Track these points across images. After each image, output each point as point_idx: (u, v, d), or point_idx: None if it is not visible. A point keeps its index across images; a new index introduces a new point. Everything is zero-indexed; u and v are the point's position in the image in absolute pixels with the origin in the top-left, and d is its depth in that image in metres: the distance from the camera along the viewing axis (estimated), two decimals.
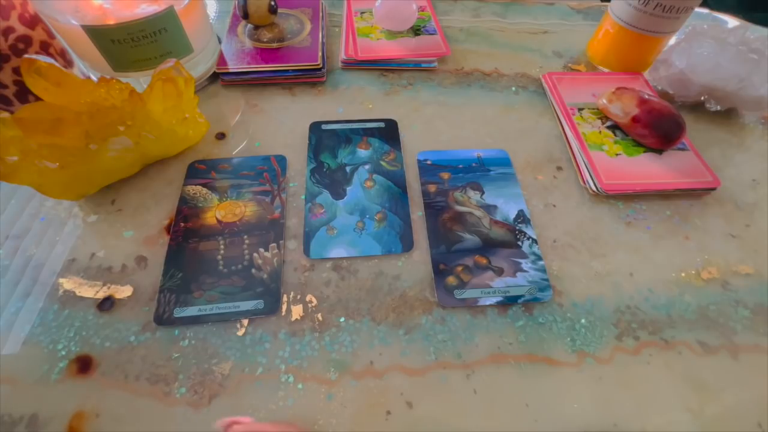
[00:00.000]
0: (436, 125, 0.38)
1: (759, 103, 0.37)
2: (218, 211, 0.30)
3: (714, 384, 0.25)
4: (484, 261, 0.29)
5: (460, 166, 0.34)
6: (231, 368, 0.24)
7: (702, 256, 0.30)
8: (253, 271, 0.28)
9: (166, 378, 0.24)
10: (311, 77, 0.40)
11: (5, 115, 0.25)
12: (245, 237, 0.29)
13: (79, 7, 0.31)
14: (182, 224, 0.30)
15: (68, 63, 0.36)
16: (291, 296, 0.27)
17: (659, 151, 0.35)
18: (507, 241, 0.30)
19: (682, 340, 0.26)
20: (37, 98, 0.26)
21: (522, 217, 0.31)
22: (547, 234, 0.31)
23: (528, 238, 0.30)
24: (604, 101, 0.37)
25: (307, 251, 0.29)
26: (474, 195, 0.32)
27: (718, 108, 0.38)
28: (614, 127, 0.36)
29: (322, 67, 0.40)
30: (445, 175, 0.33)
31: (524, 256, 0.29)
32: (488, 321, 0.27)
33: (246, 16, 0.41)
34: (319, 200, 0.31)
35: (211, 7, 0.49)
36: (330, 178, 0.33)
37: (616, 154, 0.34)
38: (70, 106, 0.26)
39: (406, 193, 0.32)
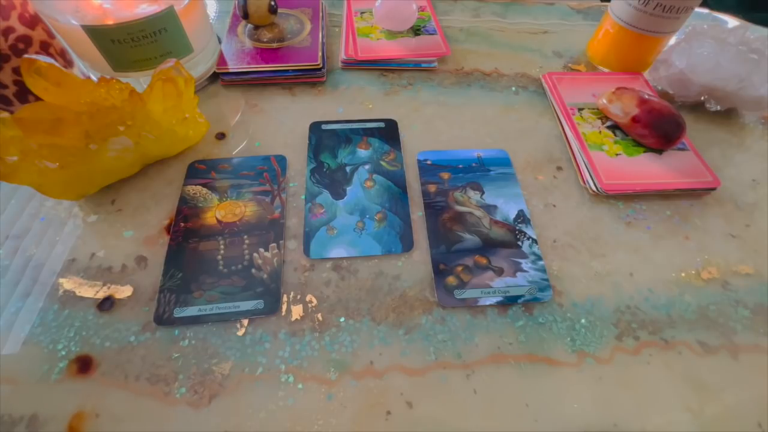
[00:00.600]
0: (436, 125, 0.38)
1: (759, 103, 0.37)
2: (218, 211, 0.30)
3: (714, 384, 0.25)
4: (484, 261, 0.29)
5: (460, 166, 0.34)
6: (231, 368, 0.24)
7: (702, 256, 0.30)
8: (253, 271, 0.28)
9: (166, 378, 0.24)
10: (311, 77, 0.40)
11: (5, 115, 0.25)
12: (245, 237, 0.29)
13: (79, 7, 0.31)
14: (182, 224, 0.30)
15: (68, 63, 0.36)
16: (291, 296, 0.27)
17: (659, 151, 0.35)
18: (507, 241, 0.30)
19: (682, 340, 0.26)
20: (37, 98, 0.26)
21: (522, 217, 0.31)
22: (547, 234, 0.31)
23: (528, 238, 0.30)
24: (604, 101, 0.37)
25: (307, 251, 0.29)
26: (474, 195, 0.32)
27: (718, 108, 0.38)
28: (614, 127, 0.36)
29: (322, 67, 0.40)
30: (445, 175, 0.33)
31: (524, 256, 0.29)
32: (488, 321, 0.27)
33: (246, 16, 0.41)
34: (319, 200, 0.31)
35: (211, 7, 0.49)
36: (330, 178, 0.33)
37: (616, 154, 0.34)
38: (70, 106, 0.26)
39: (406, 193, 0.32)
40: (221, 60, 0.39)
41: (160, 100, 0.30)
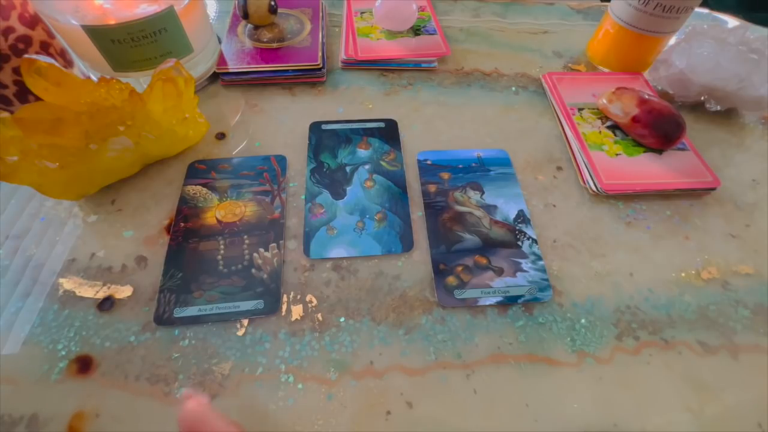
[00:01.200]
0: (436, 125, 0.38)
1: (759, 103, 0.37)
2: (218, 211, 0.30)
3: (714, 384, 0.25)
4: (484, 261, 0.29)
5: (460, 166, 0.34)
6: (231, 368, 0.24)
7: (702, 256, 0.30)
8: (253, 271, 0.28)
9: (166, 378, 0.24)
10: (311, 77, 0.40)
11: (5, 115, 0.25)
12: (245, 237, 0.29)
13: (79, 7, 0.31)
14: (182, 224, 0.30)
15: (68, 63, 0.36)
16: (291, 296, 0.27)
17: (659, 151, 0.35)
18: (507, 241, 0.30)
19: (682, 340, 0.26)
20: (37, 98, 0.26)
21: (522, 217, 0.31)
22: (547, 234, 0.31)
23: (528, 238, 0.30)
24: (604, 101, 0.37)
25: (307, 251, 0.29)
26: (474, 195, 0.32)
27: (718, 108, 0.38)
28: (614, 127, 0.36)
29: (322, 67, 0.40)
30: (445, 175, 0.33)
31: (524, 256, 0.29)
32: (488, 321, 0.27)
33: (246, 16, 0.41)
34: (319, 200, 0.31)
35: (211, 7, 0.49)
36: (330, 178, 0.33)
37: (616, 154, 0.34)
38: (70, 106, 0.26)
39: (406, 193, 0.32)
40: (221, 60, 0.39)
41: (160, 100, 0.30)
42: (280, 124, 0.37)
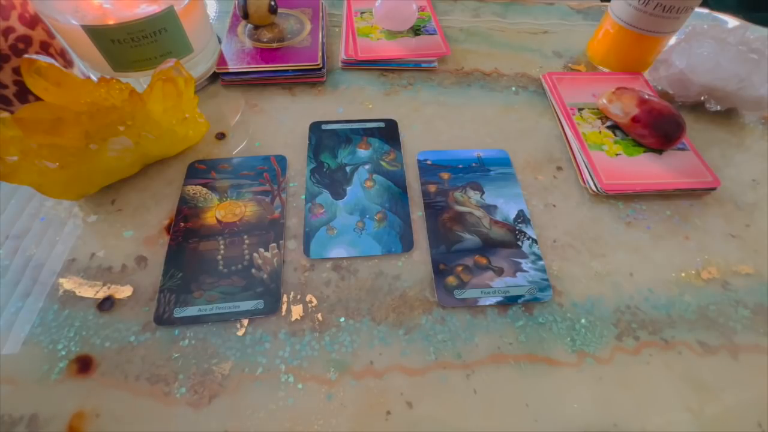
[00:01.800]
0: (436, 125, 0.38)
1: (759, 103, 0.37)
2: (218, 211, 0.30)
3: (714, 384, 0.25)
4: (484, 261, 0.29)
5: (460, 166, 0.34)
6: (231, 368, 0.24)
7: (702, 256, 0.30)
8: (253, 271, 0.28)
9: (166, 378, 0.24)
10: (311, 77, 0.40)
11: (5, 115, 0.25)
12: (245, 237, 0.29)
13: (79, 7, 0.31)
14: (182, 224, 0.30)
15: (68, 63, 0.36)
16: (291, 296, 0.27)
17: (659, 151, 0.35)
18: (507, 241, 0.30)
19: (682, 340, 0.26)
20: (37, 98, 0.26)
21: (522, 217, 0.31)
22: (547, 234, 0.31)
23: (528, 238, 0.30)
24: (604, 101, 0.37)
25: (307, 251, 0.29)
26: (474, 195, 0.32)
27: (718, 108, 0.38)
28: (614, 127, 0.36)
29: (322, 67, 0.40)
30: (445, 175, 0.33)
31: (524, 256, 0.29)
32: (488, 321, 0.27)
33: (246, 16, 0.41)
34: (319, 200, 0.31)
35: (211, 7, 0.49)
36: (330, 178, 0.33)
37: (616, 154, 0.34)
38: (70, 106, 0.26)
39: (406, 193, 0.32)
40: (221, 60, 0.39)
41: (160, 100, 0.30)
42: (280, 124, 0.37)
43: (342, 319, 0.26)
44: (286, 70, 0.39)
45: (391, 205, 0.31)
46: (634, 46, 0.40)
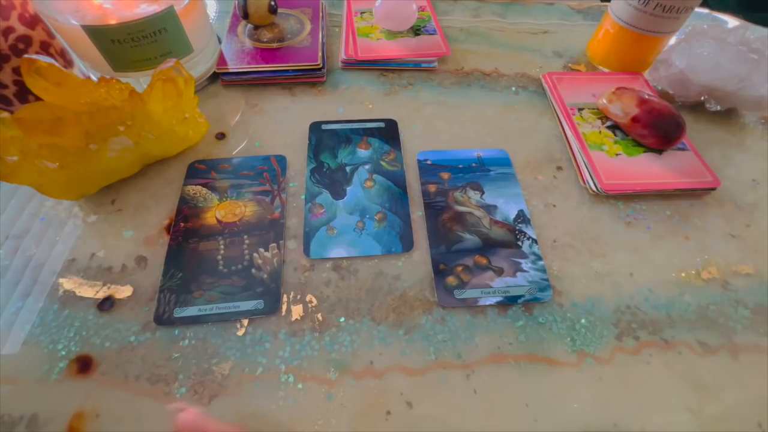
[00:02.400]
0: (436, 125, 0.38)
1: (759, 103, 0.37)
2: (218, 211, 0.30)
3: (714, 384, 0.25)
4: (484, 261, 0.29)
5: (460, 166, 0.34)
6: (231, 368, 0.24)
7: (702, 256, 0.30)
8: (253, 271, 0.28)
9: (166, 378, 0.24)
10: (311, 77, 0.40)
11: (5, 115, 0.25)
12: (245, 237, 0.29)
13: (79, 7, 0.31)
14: (182, 224, 0.30)
15: (68, 63, 0.36)
16: (291, 296, 0.27)
17: (659, 151, 0.35)
18: (507, 241, 0.30)
19: (682, 340, 0.26)
20: (37, 98, 0.26)
21: (522, 217, 0.31)
22: (547, 234, 0.31)
23: (528, 238, 0.30)
24: (604, 101, 0.37)
25: (307, 251, 0.29)
26: (474, 195, 0.32)
27: (718, 108, 0.38)
28: (614, 127, 0.36)
29: (322, 67, 0.40)
30: (445, 175, 0.33)
31: (524, 256, 0.29)
32: (488, 321, 0.27)
33: (246, 16, 0.41)
34: (319, 200, 0.31)
35: (211, 7, 0.49)
36: (330, 178, 0.33)
37: (616, 154, 0.34)
38: (70, 106, 0.26)
39: (406, 193, 0.32)
40: (221, 60, 0.39)
41: (160, 100, 0.30)
42: (280, 124, 0.37)
43: (342, 319, 0.26)
44: (286, 70, 0.39)
45: (391, 205, 0.31)
46: (634, 46, 0.40)
